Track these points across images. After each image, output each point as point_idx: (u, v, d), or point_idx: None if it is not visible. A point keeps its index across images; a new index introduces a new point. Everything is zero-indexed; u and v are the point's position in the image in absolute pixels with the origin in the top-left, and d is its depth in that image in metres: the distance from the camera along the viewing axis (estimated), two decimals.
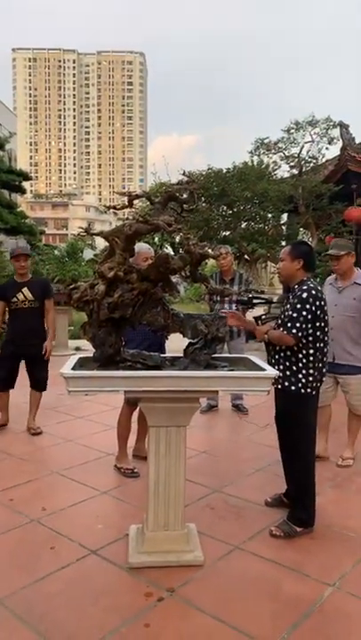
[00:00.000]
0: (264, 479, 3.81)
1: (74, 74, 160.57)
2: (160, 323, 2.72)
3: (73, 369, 2.56)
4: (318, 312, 2.91)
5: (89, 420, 5.35)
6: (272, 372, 2.64)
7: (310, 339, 2.94)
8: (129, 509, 3.32)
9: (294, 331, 2.88)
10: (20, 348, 4.85)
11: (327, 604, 2.40)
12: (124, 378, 2.52)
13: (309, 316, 2.88)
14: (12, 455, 4.31)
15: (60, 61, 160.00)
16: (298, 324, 2.88)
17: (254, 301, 3.52)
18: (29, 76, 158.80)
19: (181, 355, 2.82)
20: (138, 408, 3.96)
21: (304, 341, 2.93)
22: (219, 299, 5.33)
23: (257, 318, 3.35)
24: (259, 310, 3.64)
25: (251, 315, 3.49)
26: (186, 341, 2.81)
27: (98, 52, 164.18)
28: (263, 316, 3.32)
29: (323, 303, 2.95)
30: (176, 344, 3.19)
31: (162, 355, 2.94)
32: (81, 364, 2.72)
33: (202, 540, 2.87)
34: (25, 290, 4.77)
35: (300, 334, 2.89)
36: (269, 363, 3.07)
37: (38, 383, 4.97)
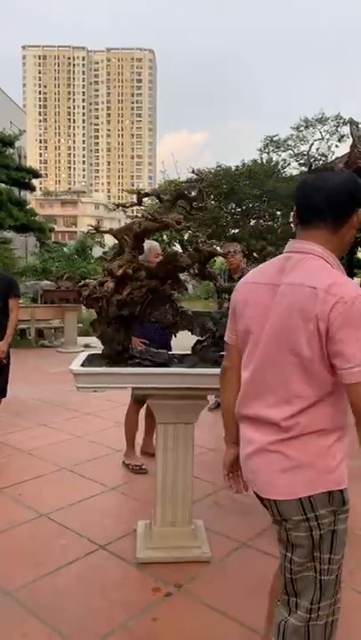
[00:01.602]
0: None
1: (83, 71, 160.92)
2: (169, 320, 2.74)
3: (82, 365, 2.58)
4: None
5: (97, 416, 5.39)
6: None
7: None
8: (137, 505, 3.35)
9: None
10: None
11: None
12: (133, 374, 2.54)
13: None
14: (21, 451, 4.35)
15: (69, 59, 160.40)
16: None
17: None
18: (39, 73, 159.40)
19: (190, 352, 2.83)
20: (145, 405, 3.99)
21: None
22: (227, 296, 5.33)
23: None
24: None
25: None
26: (194, 339, 2.82)
27: (107, 50, 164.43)
28: None
29: None
30: (184, 342, 3.20)
31: (170, 352, 2.95)
32: (90, 360, 2.74)
33: (209, 537, 2.89)
34: None
35: None
36: None
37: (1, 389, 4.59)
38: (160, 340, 3.63)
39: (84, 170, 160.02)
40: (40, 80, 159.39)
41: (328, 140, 12.49)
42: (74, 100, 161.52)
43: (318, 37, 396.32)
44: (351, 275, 13.77)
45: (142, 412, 4.12)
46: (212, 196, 11.70)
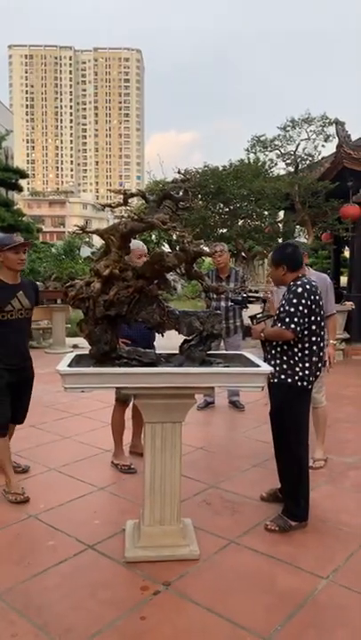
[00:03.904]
0: (260, 475, 3.84)
1: (70, 71, 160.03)
2: (156, 320, 2.75)
3: (69, 366, 2.58)
4: (313, 306, 2.96)
5: (86, 417, 5.38)
6: (266, 368, 2.67)
7: (306, 332, 2.98)
8: (125, 505, 3.36)
9: (293, 325, 2.92)
10: (15, 374, 3.55)
11: (321, 597, 2.44)
12: (120, 374, 2.55)
13: (306, 310, 2.94)
14: None
15: (56, 58, 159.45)
16: (296, 319, 2.92)
17: (249, 300, 3.55)
18: (26, 72, 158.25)
19: (177, 351, 2.84)
20: (130, 405, 4.00)
21: (300, 335, 2.98)
22: (215, 296, 5.36)
23: (252, 317, 3.37)
24: (254, 309, 3.67)
25: (246, 314, 3.51)
26: (180, 338, 2.84)
27: (94, 49, 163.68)
28: (258, 315, 3.35)
29: (318, 297, 3.00)
30: (172, 341, 3.21)
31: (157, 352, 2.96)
32: (77, 361, 2.74)
33: (198, 535, 2.90)
34: (20, 295, 3.53)
35: (298, 328, 2.94)
36: (266, 359, 3.10)
37: (22, 415, 3.78)
38: (142, 340, 3.63)
39: (71, 170, 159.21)
40: (27, 80, 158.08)
41: (314, 140, 12.50)
42: (61, 100, 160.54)
43: (306, 37, 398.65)
44: (338, 273, 13.87)
45: (129, 412, 4.13)
46: (199, 196, 11.69)
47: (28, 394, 3.77)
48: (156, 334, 3.14)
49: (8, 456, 3.57)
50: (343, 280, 13.43)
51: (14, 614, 2.30)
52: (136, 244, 3.84)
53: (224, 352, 3.92)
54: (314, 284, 3.06)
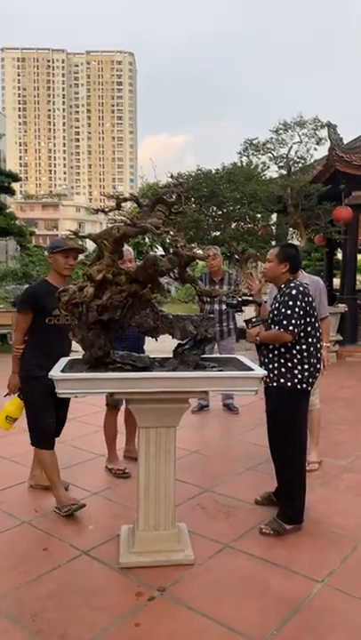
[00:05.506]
0: (254, 478, 3.84)
1: (63, 74, 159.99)
2: (149, 324, 2.74)
3: (62, 371, 2.57)
4: (308, 307, 2.98)
5: (80, 421, 5.35)
6: (260, 371, 2.67)
7: (302, 334, 2.99)
8: (120, 510, 3.34)
9: (291, 327, 2.93)
10: None
11: (316, 601, 2.44)
12: (114, 380, 2.54)
13: (301, 312, 2.95)
14: (2, 457, 4.31)
15: (48, 61, 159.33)
16: (293, 320, 2.93)
17: (244, 303, 3.55)
18: (18, 76, 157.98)
19: (171, 356, 2.84)
20: (122, 410, 3.99)
21: (297, 337, 2.98)
22: (208, 299, 5.35)
23: (247, 321, 3.37)
24: (249, 312, 3.67)
25: (241, 318, 3.51)
26: (175, 342, 2.83)
27: (87, 52, 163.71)
28: (253, 319, 3.35)
29: (311, 299, 3.02)
30: (165, 345, 3.21)
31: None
32: (71, 366, 2.73)
33: (192, 540, 2.89)
34: None
35: (295, 330, 2.94)
36: (262, 363, 3.10)
37: (61, 427, 3.68)
38: (132, 346, 3.59)
39: (64, 173, 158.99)
40: (19, 83, 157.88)
41: (307, 142, 12.55)
42: (54, 103, 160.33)
43: (302, 38, 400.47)
44: (330, 275, 13.93)
45: (122, 416, 4.12)
46: (192, 200, 11.70)
47: (66, 404, 3.58)
48: (146, 338, 3.11)
49: (56, 470, 3.37)
50: (336, 282, 13.47)
51: (8, 622, 2.28)
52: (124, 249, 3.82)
53: (218, 356, 3.92)
54: (306, 285, 3.09)
